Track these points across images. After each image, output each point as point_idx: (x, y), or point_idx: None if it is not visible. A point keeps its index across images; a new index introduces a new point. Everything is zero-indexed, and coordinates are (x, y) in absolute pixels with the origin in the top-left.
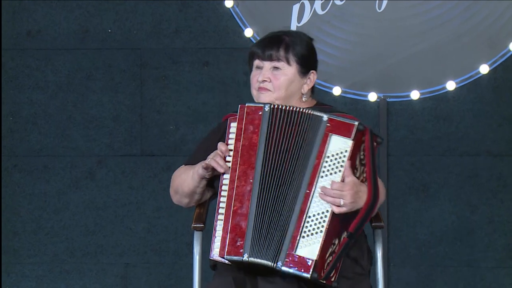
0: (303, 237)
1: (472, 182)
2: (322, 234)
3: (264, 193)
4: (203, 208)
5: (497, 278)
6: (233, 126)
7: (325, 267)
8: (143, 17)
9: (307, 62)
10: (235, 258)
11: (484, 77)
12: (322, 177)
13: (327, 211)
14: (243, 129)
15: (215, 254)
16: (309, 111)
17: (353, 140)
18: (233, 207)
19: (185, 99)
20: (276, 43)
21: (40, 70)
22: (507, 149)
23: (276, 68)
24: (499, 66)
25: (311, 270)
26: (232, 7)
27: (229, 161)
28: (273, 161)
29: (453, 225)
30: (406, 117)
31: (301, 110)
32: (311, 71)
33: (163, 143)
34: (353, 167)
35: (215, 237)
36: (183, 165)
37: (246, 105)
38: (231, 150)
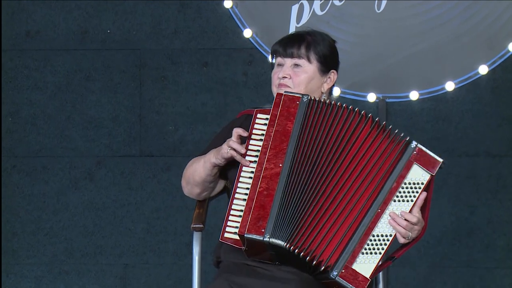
0: (363, 253)
1: (471, 182)
2: (380, 256)
3: (293, 179)
4: (203, 209)
5: (496, 278)
6: (260, 117)
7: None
8: (142, 17)
9: (328, 61)
10: (256, 237)
11: (483, 77)
12: (394, 201)
13: (391, 235)
14: (277, 116)
15: (227, 235)
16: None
17: (432, 175)
18: (259, 188)
19: (184, 99)
20: (298, 41)
21: (39, 70)
22: (506, 149)
23: (296, 65)
24: (498, 66)
25: None
26: (231, 7)
27: (251, 149)
28: (307, 151)
29: (452, 226)
30: (405, 117)
31: (348, 106)
32: (332, 70)
33: (162, 144)
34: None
35: (229, 219)
36: (196, 157)
37: (284, 93)
38: (255, 139)
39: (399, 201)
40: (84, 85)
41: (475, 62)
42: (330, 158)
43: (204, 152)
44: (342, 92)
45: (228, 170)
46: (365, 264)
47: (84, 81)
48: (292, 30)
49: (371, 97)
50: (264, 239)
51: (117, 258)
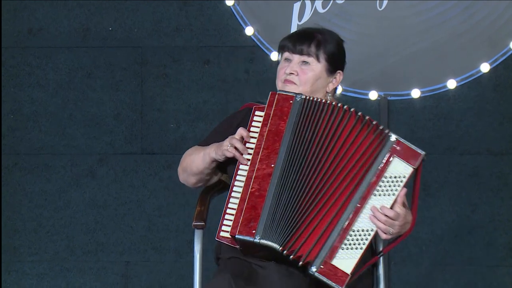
0: (343, 248)
1: (473, 180)
2: (361, 252)
3: (285, 179)
4: (204, 206)
5: (498, 276)
6: (258, 115)
7: (351, 279)
8: (144, 15)
9: (336, 61)
10: (247, 238)
11: (485, 75)
12: (375, 195)
13: (372, 230)
14: (271, 115)
15: (223, 234)
16: (357, 113)
17: (414, 169)
18: (251, 189)
19: (185, 97)
20: (308, 38)
21: (41, 68)
22: (508, 147)
23: (305, 62)
24: (500, 64)
25: (344, 284)
26: (233, 5)
27: (249, 148)
28: (299, 150)
29: (454, 224)
30: (407, 115)
31: (338, 104)
32: (338, 71)
33: (164, 142)
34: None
35: (225, 218)
36: (196, 145)
37: (278, 92)
38: (253, 137)
39: (379, 195)
40: (86, 83)
41: (477, 60)
42: (317, 157)
43: (204, 141)
44: (344, 90)
45: (228, 165)
46: (345, 260)
47: (85, 78)
48: (294, 28)
49: (373, 95)
50: (255, 240)
51: (118, 255)
